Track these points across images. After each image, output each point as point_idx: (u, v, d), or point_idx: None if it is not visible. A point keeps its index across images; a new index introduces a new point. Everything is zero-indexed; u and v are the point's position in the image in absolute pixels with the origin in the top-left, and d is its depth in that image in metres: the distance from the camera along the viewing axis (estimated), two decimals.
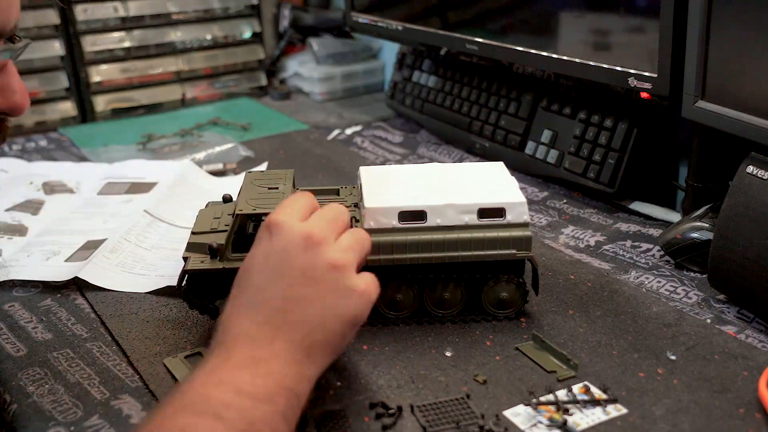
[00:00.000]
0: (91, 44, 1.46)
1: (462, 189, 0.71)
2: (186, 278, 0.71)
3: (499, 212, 0.70)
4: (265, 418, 0.51)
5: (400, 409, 0.61)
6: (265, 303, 0.56)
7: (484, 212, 0.70)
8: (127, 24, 1.49)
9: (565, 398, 0.61)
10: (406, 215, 0.70)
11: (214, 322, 0.74)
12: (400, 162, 1.22)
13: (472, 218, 0.70)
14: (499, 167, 0.79)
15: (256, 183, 0.76)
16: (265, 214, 0.69)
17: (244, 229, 0.75)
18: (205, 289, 0.72)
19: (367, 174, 0.77)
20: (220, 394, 0.51)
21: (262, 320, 0.56)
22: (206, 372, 0.53)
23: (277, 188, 0.75)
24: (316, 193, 0.80)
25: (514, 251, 0.70)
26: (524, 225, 0.71)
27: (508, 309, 0.73)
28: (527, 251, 0.71)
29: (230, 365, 0.53)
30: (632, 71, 0.91)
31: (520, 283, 0.73)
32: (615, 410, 0.61)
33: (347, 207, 0.75)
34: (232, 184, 1.12)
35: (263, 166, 1.19)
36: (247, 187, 0.75)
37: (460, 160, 1.20)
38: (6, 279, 0.84)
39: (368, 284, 0.59)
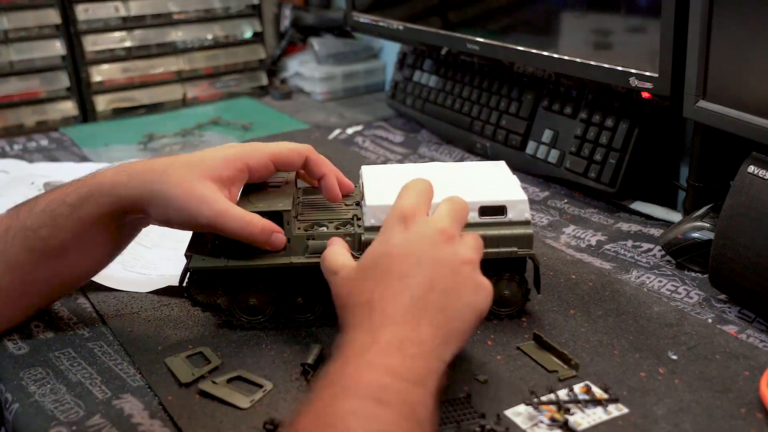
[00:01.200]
0: (92, 44, 1.46)
1: (463, 187, 0.72)
2: (188, 276, 0.71)
3: (500, 210, 0.71)
4: (421, 400, 0.52)
5: None
6: (409, 288, 0.57)
7: (485, 210, 0.70)
8: (128, 24, 1.49)
9: (566, 398, 0.61)
10: None
11: (215, 321, 0.74)
12: (401, 162, 1.22)
13: (473, 216, 0.70)
14: (500, 166, 0.79)
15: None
16: (268, 212, 0.69)
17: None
18: (207, 287, 0.72)
19: (369, 173, 0.77)
20: (376, 377, 0.51)
21: (408, 303, 0.56)
22: (355, 355, 0.53)
23: (278, 186, 0.75)
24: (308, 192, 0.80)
25: (515, 249, 0.70)
26: (526, 223, 0.71)
27: (510, 307, 0.73)
28: (529, 249, 0.71)
29: (379, 348, 0.53)
30: (633, 71, 0.91)
31: (521, 281, 0.73)
32: (616, 410, 0.61)
33: (348, 206, 0.76)
34: None
35: None
36: (248, 185, 0.75)
37: (461, 160, 1.20)
38: None
39: (489, 281, 0.61)
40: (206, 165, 0.68)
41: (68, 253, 0.70)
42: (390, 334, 0.54)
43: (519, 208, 0.71)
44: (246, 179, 0.71)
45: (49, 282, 0.72)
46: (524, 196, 0.71)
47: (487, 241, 0.69)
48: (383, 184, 0.73)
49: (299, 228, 0.72)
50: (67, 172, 1.17)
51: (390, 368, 0.52)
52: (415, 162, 1.21)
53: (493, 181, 0.75)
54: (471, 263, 0.60)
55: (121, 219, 0.70)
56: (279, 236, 0.69)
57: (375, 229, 0.68)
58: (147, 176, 0.67)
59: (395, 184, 0.70)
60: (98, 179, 0.69)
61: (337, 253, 0.64)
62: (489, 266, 0.70)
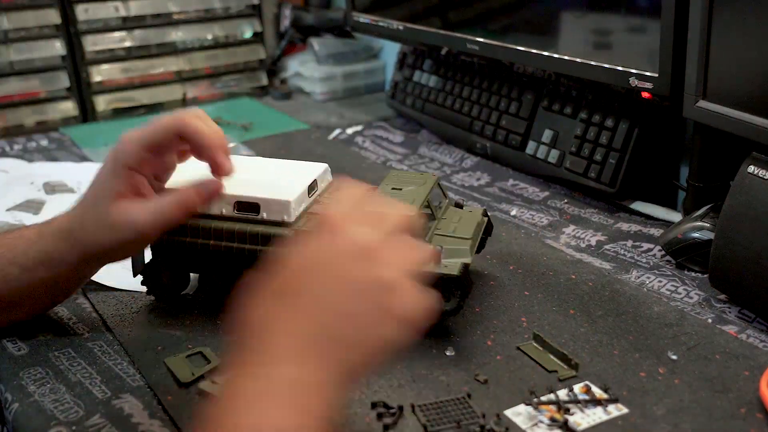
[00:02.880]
0: (92, 44, 1.46)
1: (246, 181, 0.72)
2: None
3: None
4: None
5: (401, 408, 0.61)
6: (302, 313, 0.50)
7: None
8: (128, 24, 1.49)
9: (566, 398, 0.61)
10: None
11: (216, 321, 0.74)
12: (401, 162, 1.22)
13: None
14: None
15: (392, 181, 0.78)
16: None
17: None
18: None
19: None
20: (274, 419, 0.46)
21: (300, 334, 0.49)
22: (248, 400, 0.47)
23: (400, 189, 0.75)
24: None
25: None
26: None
27: None
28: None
29: (271, 393, 0.47)
30: (633, 71, 0.91)
31: None
32: (616, 410, 0.61)
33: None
34: None
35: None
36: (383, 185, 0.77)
37: (461, 160, 1.20)
38: None
39: (418, 310, 0.51)
40: (102, 192, 0.68)
41: (18, 305, 0.72)
42: (279, 375, 0.48)
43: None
44: (146, 173, 0.69)
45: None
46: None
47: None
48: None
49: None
50: (66, 171, 1.18)
51: (277, 427, 0.46)
52: (415, 162, 1.21)
53: (280, 179, 0.75)
54: (388, 285, 0.50)
55: (70, 282, 0.73)
56: (211, 185, 0.68)
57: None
58: (72, 238, 0.68)
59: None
60: (43, 246, 0.69)
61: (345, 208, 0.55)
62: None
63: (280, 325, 0.49)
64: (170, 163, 0.72)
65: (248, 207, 0.72)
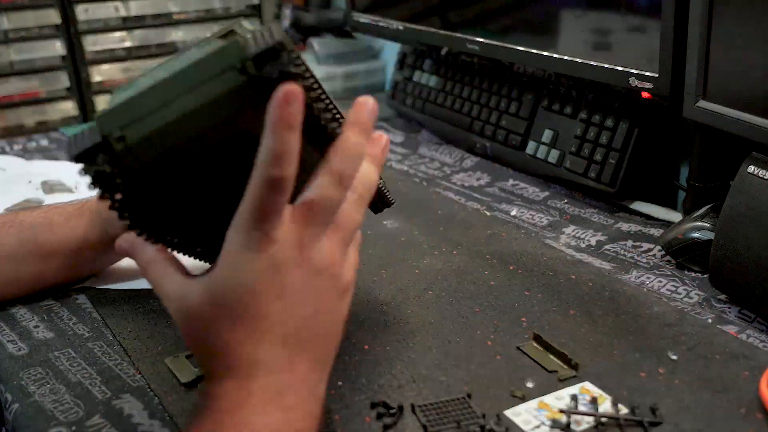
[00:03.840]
0: (92, 44, 1.46)
1: None
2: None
3: None
4: None
5: (401, 408, 0.61)
6: (277, 327, 0.49)
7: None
8: (128, 24, 1.49)
9: (569, 400, 0.61)
10: None
11: None
12: (401, 162, 1.22)
13: None
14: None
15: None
16: None
17: None
18: None
19: None
20: None
21: (279, 345, 0.49)
22: (228, 411, 0.48)
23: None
24: None
25: None
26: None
27: None
28: None
29: (254, 403, 0.48)
30: (633, 71, 0.91)
31: None
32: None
33: None
34: None
35: None
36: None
37: (461, 160, 1.20)
38: None
39: (353, 272, 0.55)
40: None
41: (55, 258, 0.76)
42: (263, 387, 0.48)
43: None
44: None
45: (35, 278, 0.77)
46: None
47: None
48: None
49: None
50: (64, 170, 1.17)
51: (269, 426, 0.47)
52: (415, 163, 1.21)
53: None
54: (334, 269, 0.52)
55: (107, 242, 0.75)
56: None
57: None
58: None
59: None
60: (92, 203, 0.76)
61: (164, 277, 0.53)
62: None
63: (254, 344, 0.49)
64: None
65: None
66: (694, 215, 0.85)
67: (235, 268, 0.49)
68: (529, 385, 0.64)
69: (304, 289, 0.50)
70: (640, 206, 0.99)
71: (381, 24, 1.36)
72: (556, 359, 0.67)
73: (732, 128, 0.77)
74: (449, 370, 0.66)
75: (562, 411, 0.60)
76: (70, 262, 0.77)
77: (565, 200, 1.04)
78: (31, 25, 1.39)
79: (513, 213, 1.00)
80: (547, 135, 1.09)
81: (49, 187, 1.11)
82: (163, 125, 0.49)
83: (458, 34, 1.19)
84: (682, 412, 0.60)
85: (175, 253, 0.58)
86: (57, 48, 1.42)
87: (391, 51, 1.60)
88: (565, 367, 0.66)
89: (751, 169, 0.72)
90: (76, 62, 1.44)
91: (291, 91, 0.45)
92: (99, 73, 1.47)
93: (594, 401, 0.61)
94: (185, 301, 0.51)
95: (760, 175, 0.72)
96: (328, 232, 0.52)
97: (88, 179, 0.50)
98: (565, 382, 0.64)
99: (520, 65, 1.17)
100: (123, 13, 1.47)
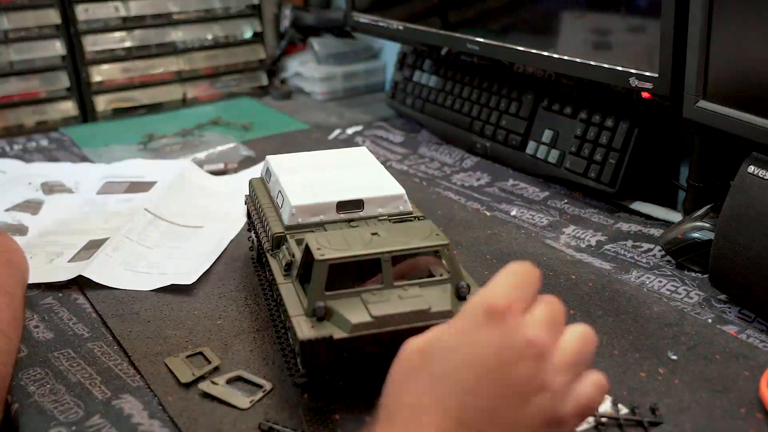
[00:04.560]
0: (92, 44, 1.46)
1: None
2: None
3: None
4: None
5: None
6: (467, 410, 0.45)
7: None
8: (128, 24, 1.49)
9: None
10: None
11: (216, 321, 0.74)
12: (401, 162, 1.22)
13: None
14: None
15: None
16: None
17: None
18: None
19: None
20: None
21: (453, 426, 0.45)
22: None
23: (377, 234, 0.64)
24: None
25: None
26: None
27: None
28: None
29: None
30: (633, 71, 0.91)
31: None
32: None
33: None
34: (232, 183, 1.12)
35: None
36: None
37: (461, 160, 1.20)
38: None
39: (580, 409, 0.47)
40: None
41: None
42: None
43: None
44: None
45: None
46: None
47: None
48: (299, 177, 0.72)
49: None
50: (64, 172, 1.18)
51: None
52: (415, 163, 1.21)
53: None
54: (553, 392, 0.46)
55: None
56: None
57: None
58: None
59: (311, 177, 0.69)
60: None
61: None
62: None
63: (417, 413, 0.46)
64: None
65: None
66: (694, 215, 0.85)
67: (459, 332, 0.47)
68: None
69: (515, 390, 0.45)
70: (640, 206, 0.99)
71: (381, 24, 1.36)
72: None
73: (732, 128, 0.77)
74: None
75: None
76: None
77: (565, 200, 1.04)
78: (31, 25, 1.39)
79: (513, 213, 1.00)
80: (547, 135, 1.09)
81: (48, 187, 1.11)
82: None
83: (458, 34, 1.19)
84: (682, 412, 0.60)
85: None
86: (57, 48, 1.42)
87: (391, 51, 1.60)
88: None
89: (751, 169, 0.72)
90: (76, 62, 1.44)
91: None
92: (99, 73, 1.47)
93: None
94: (406, 353, 0.49)
95: (760, 175, 0.72)
96: (556, 346, 0.48)
97: None
98: None
99: (520, 65, 1.17)
100: (123, 13, 1.47)
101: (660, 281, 0.81)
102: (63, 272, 0.84)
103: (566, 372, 0.47)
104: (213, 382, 0.65)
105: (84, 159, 1.27)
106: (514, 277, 0.49)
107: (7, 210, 1.04)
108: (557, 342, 0.48)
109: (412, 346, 0.48)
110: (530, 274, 0.50)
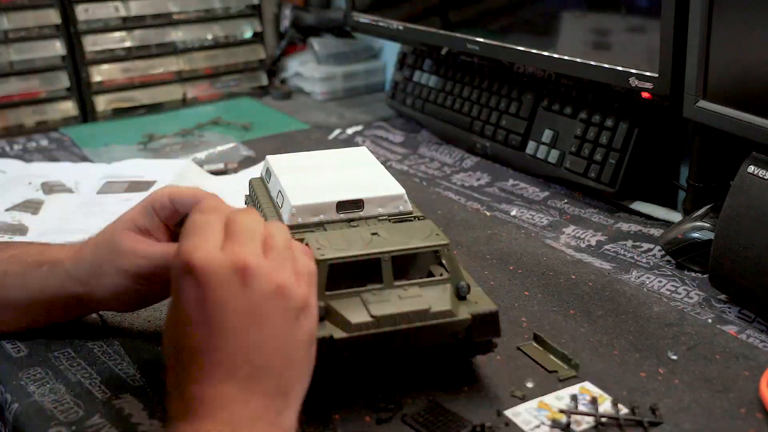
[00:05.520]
0: (92, 44, 1.46)
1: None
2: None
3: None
4: None
5: (400, 407, 0.61)
6: (223, 360, 0.48)
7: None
8: (128, 24, 1.49)
9: (569, 400, 0.61)
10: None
11: None
12: (401, 162, 1.22)
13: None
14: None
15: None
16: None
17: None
18: None
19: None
20: None
21: (226, 379, 0.47)
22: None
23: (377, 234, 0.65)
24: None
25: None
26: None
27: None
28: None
29: None
30: (633, 71, 0.91)
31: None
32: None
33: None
34: (231, 183, 1.12)
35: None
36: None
37: (461, 160, 1.20)
38: None
39: (310, 285, 0.52)
40: (121, 222, 0.67)
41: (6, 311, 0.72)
42: (217, 424, 0.46)
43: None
44: (163, 220, 0.67)
45: None
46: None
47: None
48: (299, 177, 0.71)
49: None
50: (64, 171, 1.18)
51: None
52: (415, 163, 1.21)
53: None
54: (282, 292, 0.49)
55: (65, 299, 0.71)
56: None
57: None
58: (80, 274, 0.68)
59: (311, 176, 0.69)
60: (54, 253, 0.70)
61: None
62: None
63: (188, 388, 0.48)
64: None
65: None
66: (694, 215, 0.85)
67: (173, 308, 0.49)
68: (529, 385, 0.64)
69: (248, 314, 0.48)
70: (640, 206, 0.99)
71: (381, 24, 1.36)
72: (556, 359, 0.67)
73: (732, 128, 0.77)
74: (449, 369, 0.66)
75: (562, 411, 0.60)
76: (22, 315, 0.72)
77: (565, 200, 1.04)
78: (31, 25, 1.39)
79: (513, 213, 1.00)
80: (547, 135, 1.09)
81: (48, 187, 1.11)
82: None
83: (458, 34, 1.19)
84: (682, 412, 0.60)
85: None
86: (57, 48, 1.42)
87: (391, 51, 1.60)
88: (565, 367, 0.66)
89: (751, 169, 0.72)
90: (76, 62, 1.44)
91: None
92: (99, 73, 1.47)
93: (594, 401, 0.61)
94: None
95: (760, 175, 0.72)
96: (266, 253, 0.50)
97: None
98: (565, 382, 0.64)
99: (520, 65, 1.17)
100: (123, 13, 1.47)
101: (660, 281, 0.81)
102: None
103: (287, 262, 0.50)
104: None
105: (84, 159, 1.27)
106: (197, 226, 0.51)
107: (7, 210, 1.04)
108: (265, 246, 0.50)
109: (164, 339, 0.51)
110: (207, 214, 0.52)
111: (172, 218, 0.67)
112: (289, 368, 0.50)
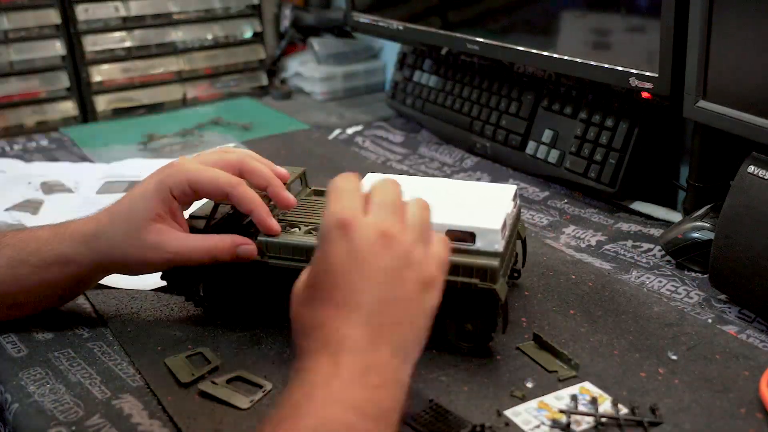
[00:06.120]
0: (92, 44, 1.46)
1: (447, 208, 0.67)
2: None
3: (469, 236, 0.66)
4: None
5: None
6: (362, 306, 0.52)
7: (451, 235, 0.65)
8: (128, 24, 1.49)
9: (569, 400, 0.61)
10: None
11: (215, 321, 0.74)
12: (401, 162, 1.22)
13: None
14: (508, 190, 0.74)
15: None
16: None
17: (239, 218, 0.75)
18: (186, 273, 0.74)
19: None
20: (340, 414, 0.48)
21: (363, 324, 0.52)
22: (318, 386, 0.50)
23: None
24: (318, 194, 0.80)
25: (476, 281, 0.65)
26: (494, 254, 0.65)
27: (473, 341, 0.68)
28: (492, 283, 0.65)
29: (342, 380, 0.50)
30: (633, 71, 0.91)
31: (487, 317, 0.67)
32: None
33: None
34: None
35: None
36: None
37: (461, 160, 1.20)
38: None
39: (438, 268, 0.56)
40: (141, 210, 0.69)
41: (26, 304, 0.74)
42: (351, 363, 0.51)
43: (489, 237, 0.65)
44: (182, 204, 0.71)
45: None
46: (497, 226, 0.65)
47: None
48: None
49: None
50: (63, 171, 1.18)
51: (355, 404, 0.49)
52: (415, 162, 1.21)
53: (480, 205, 0.70)
54: (418, 262, 0.54)
55: (80, 284, 0.74)
56: (246, 248, 0.70)
57: None
58: (94, 244, 0.70)
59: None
60: (58, 246, 0.71)
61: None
62: (453, 298, 0.65)
63: (341, 321, 0.52)
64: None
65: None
66: (694, 215, 0.85)
67: (325, 253, 0.54)
68: (529, 385, 0.64)
69: (386, 273, 0.53)
70: (640, 206, 0.99)
71: (381, 24, 1.36)
72: (556, 359, 0.67)
73: (732, 128, 0.77)
74: (449, 369, 0.66)
75: (562, 411, 0.60)
76: (40, 303, 0.74)
77: (565, 200, 1.04)
78: (31, 25, 1.39)
79: None
80: (547, 135, 1.09)
81: (48, 187, 1.11)
82: None
83: (458, 34, 1.19)
84: (682, 412, 0.60)
85: None
86: (57, 48, 1.42)
87: (391, 51, 1.60)
88: (565, 367, 0.66)
89: (751, 169, 0.72)
90: (76, 62, 1.44)
91: None
92: (99, 73, 1.47)
93: (594, 401, 0.61)
94: (294, 289, 0.56)
95: (760, 175, 0.72)
96: (405, 227, 0.55)
97: None
98: (565, 382, 0.64)
99: (520, 65, 1.17)
100: (123, 13, 1.47)
101: (660, 281, 0.81)
102: None
103: (420, 241, 0.55)
104: (213, 382, 0.65)
105: (84, 159, 1.27)
106: (344, 191, 0.56)
107: (7, 210, 1.04)
108: (404, 220, 0.55)
109: (299, 284, 0.56)
110: (354, 182, 0.57)
111: (191, 201, 0.72)
112: (411, 331, 0.54)
